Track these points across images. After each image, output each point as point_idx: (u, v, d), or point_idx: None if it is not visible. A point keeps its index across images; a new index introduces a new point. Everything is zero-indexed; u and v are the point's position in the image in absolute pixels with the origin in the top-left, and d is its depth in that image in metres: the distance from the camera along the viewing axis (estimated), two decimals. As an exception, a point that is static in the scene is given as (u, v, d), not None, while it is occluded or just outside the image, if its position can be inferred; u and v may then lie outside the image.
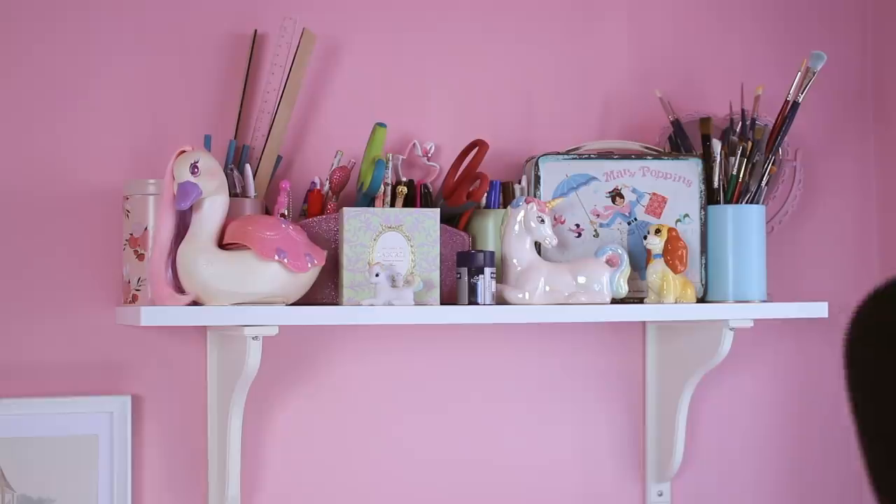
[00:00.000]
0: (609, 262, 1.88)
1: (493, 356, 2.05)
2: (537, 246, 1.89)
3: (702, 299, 1.98)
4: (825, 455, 2.25)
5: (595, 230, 1.96)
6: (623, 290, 1.88)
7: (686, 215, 1.98)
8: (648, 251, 1.92)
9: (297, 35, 1.87)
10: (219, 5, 1.92)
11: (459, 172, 1.94)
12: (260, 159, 1.86)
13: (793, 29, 2.23)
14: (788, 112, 2.02)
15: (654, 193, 1.97)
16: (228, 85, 1.91)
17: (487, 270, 1.81)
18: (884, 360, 1.18)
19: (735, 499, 2.20)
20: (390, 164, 1.89)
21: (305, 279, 1.72)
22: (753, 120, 2.02)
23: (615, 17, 2.14)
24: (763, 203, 2.02)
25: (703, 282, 1.98)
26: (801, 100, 2.02)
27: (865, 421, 1.25)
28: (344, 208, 1.78)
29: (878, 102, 2.27)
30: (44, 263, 1.82)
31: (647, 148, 2.04)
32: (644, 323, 2.12)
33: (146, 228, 1.77)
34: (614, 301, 1.89)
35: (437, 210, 1.82)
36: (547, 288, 1.85)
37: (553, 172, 1.95)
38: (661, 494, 2.13)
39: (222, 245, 1.71)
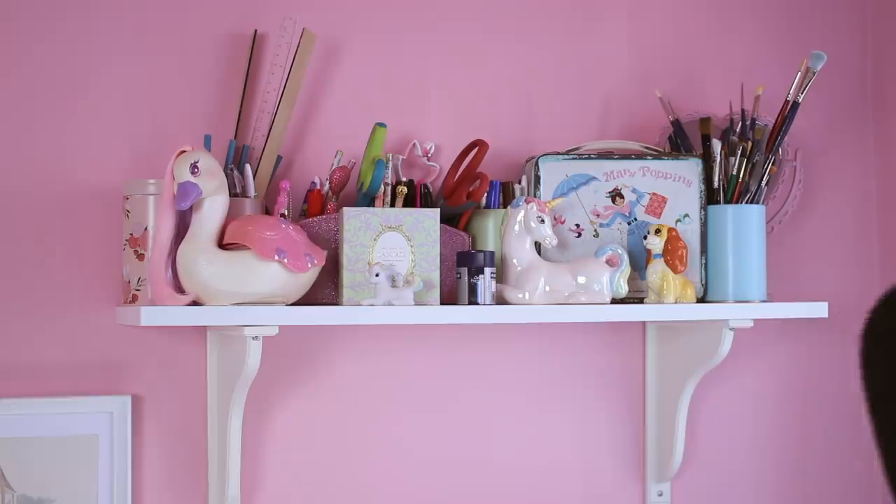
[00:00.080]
0: (609, 262, 1.88)
1: (493, 356, 2.05)
2: (537, 246, 1.89)
3: (702, 299, 1.98)
4: (826, 454, 2.25)
5: (595, 230, 1.96)
6: (623, 290, 1.88)
7: (686, 215, 1.98)
8: (648, 251, 1.92)
9: (297, 35, 1.87)
10: (219, 5, 1.92)
11: (459, 172, 1.94)
12: (260, 159, 1.86)
13: (793, 29, 2.23)
14: (788, 112, 2.02)
15: (654, 193, 1.97)
16: (228, 85, 1.91)
17: (487, 270, 1.81)
18: (895, 362, 1.22)
19: (735, 499, 2.20)
20: (390, 164, 1.89)
21: (305, 279, 1.72)
22: (753, 120, 2.02)
23: (615, 17, 2.14)
24: (763, 203, 2.02)
25: (703, 282, 1.98)
26: (801, 100, 2.02)
27: (881, 421, 1.28)
28: (344, 208, 1.78)
29: (878, 102, 2.27)
30: (44, 263, 1.82)
31: (647, 148, 2.04)
32: (644, 323, 2.12)
33: (146, 228, 1.77)
34: (614, 301, 1.89)
35: (437, 210, 1.82)
36: (547, 288, 1.85)
37: (553, 172, 1.95)
38: (661, 494, 2.13)
39: (222, 245, 1.71)
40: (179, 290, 1.68)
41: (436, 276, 1.79)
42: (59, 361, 1.83)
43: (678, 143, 2.05)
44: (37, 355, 1.82)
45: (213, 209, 1.69)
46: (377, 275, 1.74)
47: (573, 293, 1.86)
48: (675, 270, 1.91)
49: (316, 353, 1.96)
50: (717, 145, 2.00)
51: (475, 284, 1.81)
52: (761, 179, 2.01)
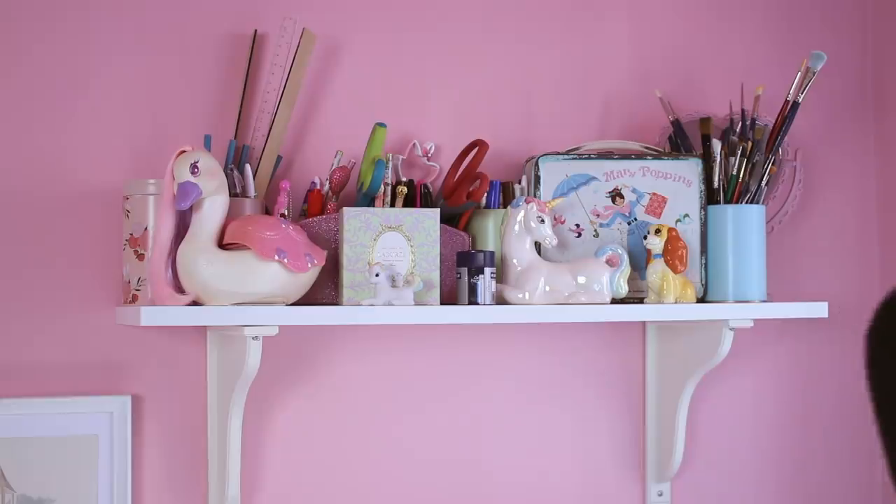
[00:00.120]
0: (609, 262, 1.88)
1: (493, 356, 2.05)
2: (537, 246, 1.89)
3: (702, 299, 1.98)
4: (826, 454, 2.25)
5: (595, 230, 1.96)
6: (623, 290, 1.88)
7: (686, 215, 1.98)
8: (648, 251, 1.92)
9: (297, 35, 1.87)
10: (219, 5, 1.92)
11: (459, 172, 1.94)
12: (260, 159, 1.86)
13: (793, 29, 2.23)
14: (788, 112, 2.02)
15: (654, 193, 1.97)
16: (228, 85, 1.91)
17: (487, 270, 1.81)
18: None
19: (735, 499, 2.20)
20: (390, 164, 1.89)
21: (305, 279, 1.72)
22: (753, 120, 2.02)
23: (615, 17, 2.14)
24: (763, 203, 2.02)
25: (703, 282, 1.98)
26: (801, 100, 2.02)
27: (887, 421, 1.29)
28: (344, 208, 1.78)
29: (878, 102, 2.27)
30: (44, 263, 1.82)
31: (647, 148, 2.04)
32: (644, 323, 2.12)
33: (146, 228, 1.77)
34: (614, 301, 1.89)
35: (437, 210, 1.82)
36: (547, 288, 1.85)
37: (553, 172, 1.95)
38: (661, 494, 2.13)
39: (222, 245, 1.71)
40: (179, 290, 1.68)
41: (436, 276, 1.79)
42: (59, 361, 1.83)
43: (678, 143, 2.05)
44: (37, 355, 1.82)
45: (213, 209, 1.69)
46: (377, 275, 1.74)
47: (573, 293, 1.86)
48: (675, 270, 1.91)
49: (316, 353, 1.96)
50: (717, 145, 2.00)
51: (475, 284, 1.81)
52: (761, 179, 2.01)
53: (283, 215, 1.82)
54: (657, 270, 1.91)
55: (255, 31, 1.90)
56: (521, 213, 1.86)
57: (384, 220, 1.79)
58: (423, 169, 2.00)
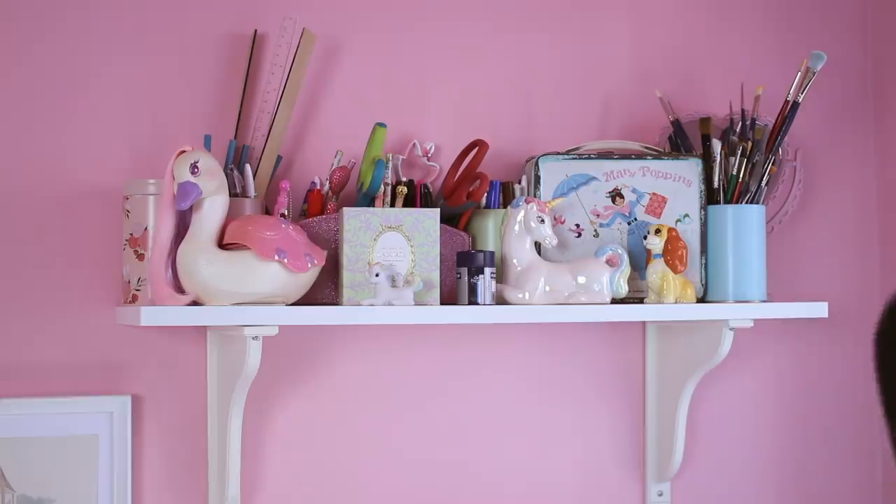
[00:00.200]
0: (609, 262, 1.88)
1: (493, 356, 2.05)
2: (537, 246, 1.89)
3: (702, 299, 1.98)
4: (826, 454, 2.25)
5: (595, 230, 1.96)
6: (623, 290, 1.88)
7: (686, 215, 1.98)
8: (648, 251, 1.92)
9: (297, 35, 1.87)
10: (219, 5, 1.92)
11: (459, 172, 1.94)
12: (260, 159, 1.86)
13: (793, 29, 2.23)
14: (788, 112, 2.02)
15: (654, 193, 1.97)
16: (228, 85, 1.91)
17: (487, 270, 1.81)
18: None
19: (735, 499, 2.20)
20: (390, 164, 1.89)
21: (305, 279, 1.72)
22: (753, 120, 2.02)
23: (616, 17, 2.14)
24: (763, 203, 2.02)
25: (703, 282, 1.98)
26: (801, 100, 2.02)
27: (894, 420, 1.30)
28: (344, 208, 1.78)
29: (878, 102, 2.27)
30: (44, 263, 1.82)
31: (647, 148, 2.04)
32: (644, 323, 2.12)
33: (146, 228, 1.77)
34: (614, 301, 1.89)
35: (437, 210, 1.82)
36: (547, 288, 1.85)
37: (553, 172, 1.95)
38: (661, 494, 2.13)
39: (222, 245, 1.71)
40: (179, 290, 1.68)
41: (436, 276, 1.79)
42: (59, 361, 1.83)
43: (678, 143, 2.05)
44: (37, 355, 1.82)
45: (213, 209, 1.69)
46: (377, 275, 1.74)
47: (573, 293, 1.86)
48: (675, 270, 1.91)
49: (316, 353, 1.96)
50: (717, 145, 2.00)
51: (475, 284, 1.81)
52: (761, 179, 2.01)
53: (283, 215, 1.82)
54: (657, 270, 1.91)
55: (255, 31, 1.90)
56: (521, 213, 1.86)
57: (384, 220, 1.79)
58: (423, 169, 2.00)
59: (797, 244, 2.22)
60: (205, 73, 1.90)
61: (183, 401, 1.88)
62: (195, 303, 1.68)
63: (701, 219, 1.98)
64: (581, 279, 1.86)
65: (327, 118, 1.97)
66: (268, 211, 1.87)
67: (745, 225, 1.98)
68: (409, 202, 1.88)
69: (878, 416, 2.25)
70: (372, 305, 1.74)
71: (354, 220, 1.78)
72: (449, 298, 1.85)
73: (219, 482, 1.85)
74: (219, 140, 1.86)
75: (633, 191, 1.97)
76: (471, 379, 2.04)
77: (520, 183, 1.97)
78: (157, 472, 1.87)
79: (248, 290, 1.68)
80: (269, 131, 1.86)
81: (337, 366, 1.97)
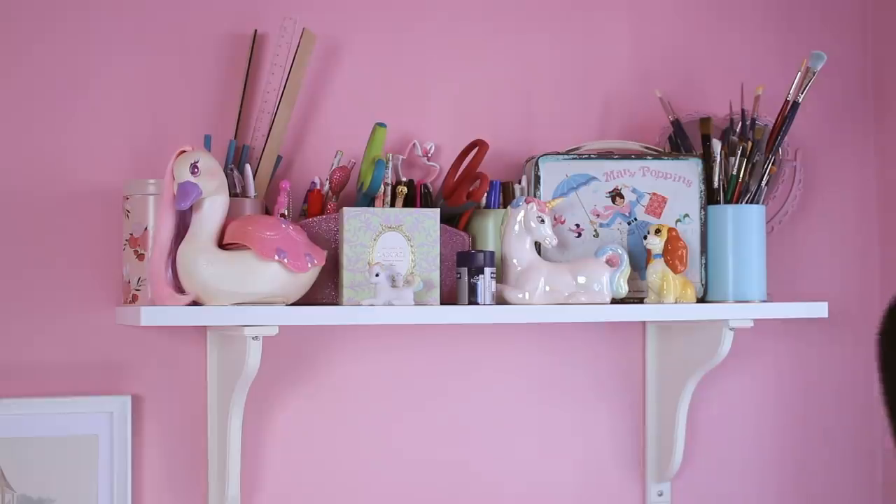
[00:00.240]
0: (609, 262, 1.88)
1: (493, 356, 2.05)
2: (537, 246, 1.89)
3: (702, 299, 1.98)
4: (826, 454, 2.25)
5: (595, 230, 1.96)
6: (623, 290, 1.88)
7: (686, 215, 1.98)
8: (648, 251, 1.92)
9: (297, 35, 1.87)
10: (219, 5, 1.92)
11: (459, 172, 1.94)
12: (260, 159, 1.86)
13: (793, 29, 2.23)
14: (788, 112, 2.02)
15: (654, 193, 1.97)
16: (228, 85, 1.91)
17: (487, 270, 1.81)
18: None
19: (735, 499, 2.20)
20: (390, 164, 1.89)
21: (305, 279, 1.72)
22: (753, 120, 2.02)
23: (616, 17, 2.14)
24: (763, 203, 2.02)
25: (703, 282, 1.98)
26: (801, 100, 2.02)
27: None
28: (344, 208, 1.78)
29: (878, 102, 2.27)
30: (44, 263, 1.82)
31: (647, 148, 2.04)
32: (644, 323, 2.12)
33: (146, 228, 1.77)
34: (614, 301, 1.89)
35: (437, 210, 1.82)
36: (547, 288, 1.85)
37: (553, 172, 1.95)
38: (661, 494, 2.13)
39: (222, 245, 1.71)
40: (179, 290, 1.68)
41: (436, 276, 1.79)
42: (59, 361, 1.83)
43: (678, 143, 2.05)
44: (37, 355, 1.82)
45: (213, 209, 1.69)
46: (377, 275, 1.74)
47: (573, 293, 1.86)
48: (675, 270, 1.91)
49: (316, 353, 1.96)
50: (717, 145, 2.00)
51: (475, 284, 1.81)
52: (761, 179, 2.01)
53: (283, 215, 1.82)
54: (657, 270, 1.91)
55: (255, 31, 1.90)
56: (521, 213, 1.86)
57: (384, 220, 1.79)
58: (423, 169, 2.00)
59: (797, 244, 2.22)
60: (205, 73, 1.90)
61: (183, 401, 1.88)
62: (195, 303, 1.68)
63: (701, 219, 1.98)
64: (581, 279, 1.86)
65: (327, 118, 1.97)
66: (268, 211, 1.87)
67: (745, 225, 1.98)
68: (409, 202, 1.88)
69: (879, 416, 2.26)
70: (372, 305, 1.74)
71: (354, 220, 1.78)
72: (449, 298, 1.85)
73: (219, 482, 1.85)
74: (219, 140, 1.86)
75: (633, 191, 1.97)
76: (471, 379, 2.04)
77: (520, 183, 1.97)
78: (157, 472, 1.87)
79: (248, 290, 1.68)
80: (269, 131, 1.86)
81: (337, 366, 1.97)
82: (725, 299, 1.97)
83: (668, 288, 1.90)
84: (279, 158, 1.88)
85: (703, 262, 1.98)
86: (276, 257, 1.67)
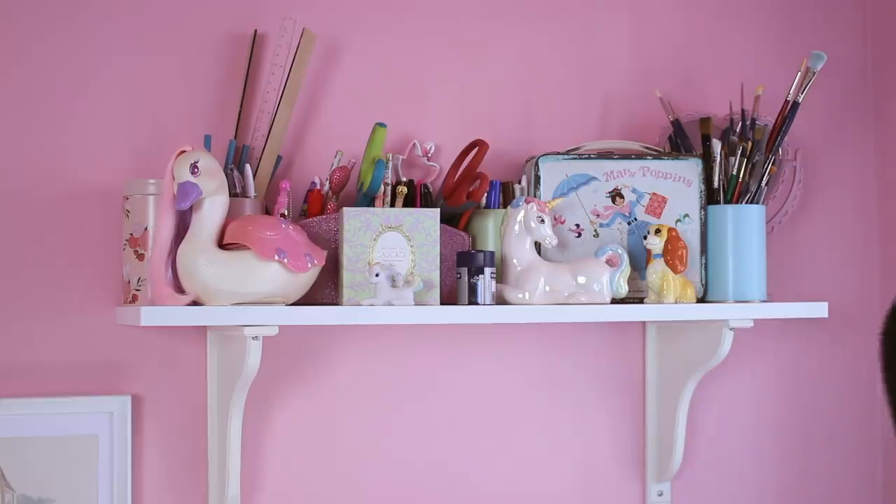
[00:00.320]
0: (609, 262, 1.88)
1: (493, 356, 2.05)
2: (537, 246, 1.89)
3: (702, 299, 1.98)
4: (826, 454, 2.25)
5: (595, 230, 1.96)
6: (623, 290, 1.88)
7: (686, 215, 1.98)
8: (648, 251, 1.92)
9: (297, 35, 1.87)
10: (219, 5, 1.92)
11: (459, 172, 1.94)
12: (260, 159, 1.86)
13: (793, 29, 2.23)
14: (788, 112, 2.02)
15: (654, 193, 1.97)
16: (228, 85, 1.91)
17: (487, 270, 1.81)
18: None
19: (735, 499, 2.20)
20: (390, 164, 1.89)
21: (305, 279, 1.72)
22: (753, 120, 2.02)
23: (616, 18, 2.14)
24: (763, 203, 2.02)
25: (703, 282, 1.98)
26: (801, 100, 2.02)
27: None
28: (344, 208, 1.78)
29: (878, 102, 2.27)
30: (44, 263, 1.82)
31: (647, 148, 2.04)
32: (644, 323, 2.12)
33: (146, 228, 1.77)
34: (614, 301, 1.89)
35: (437, 210, 1.82)
36: (547, 288, 1.85)
37: (553, 172, 1.95)
38: (661, 494, 2.13)
39: (222, 245, 1.71)
40: (179, 290, 1.68)
41: (436, 276, 1.79)
42: (59, 361, 1.83)
43: (678, 143, 2.05)
44: (37, 355, 1.82)
45: (213, 209, 1.69)
46: (377, 275, 1.74)
47: (573, 293, 1.86)
48: (675, 270, 1.91)
49: (316, 353, 1.96)
50: (717, 145, 2.00)
51: (475, 284, 1.81)
52: (761, 179, 2.01)
53: (283, 215, 1.82)
54: (657, 270, 1.91)
55: (255, 31, 1.90)
56: (521, 213, 1.86)
57: (384, 220, 1.79)
58: (423, 169, 2.00)
59: (797, 244, 2.22)
60: (205, 73, 1.91)
61: (183, 401, 1.88)
62: (195, 303, 1.68)
63: (701, 219, 1.98)
64: (581, 279, 1.86)
65: (327, 118, 1.97)
66: (268, 211, 1.87)
67: (745, 225, 1.98)
68: (409, 202, 1.88)
69: (879, 416, 2.26)
70: (372, 305, 1.74)
71: (354, 220, 1.78)
72: (449, 298, 1.85)
73: (219, 482, 1.85)
74: (219, 140, 1.86)
75: (633, 191, 1.97)
76: (471, 379, 2.04)
77: (520, 183, 1.97)
78: (157, 472, 1.87)
79: (248, 290, 1.68)
80: (269, 131, 1.86)
81: (337, 366, 1.97)
82: (725, 299, 1.97)
83: (668, 288, 1.90)
84: (279, 158, 1.88)
85: (703, 262, 1.98)
86: (276, 257, 1.67)
